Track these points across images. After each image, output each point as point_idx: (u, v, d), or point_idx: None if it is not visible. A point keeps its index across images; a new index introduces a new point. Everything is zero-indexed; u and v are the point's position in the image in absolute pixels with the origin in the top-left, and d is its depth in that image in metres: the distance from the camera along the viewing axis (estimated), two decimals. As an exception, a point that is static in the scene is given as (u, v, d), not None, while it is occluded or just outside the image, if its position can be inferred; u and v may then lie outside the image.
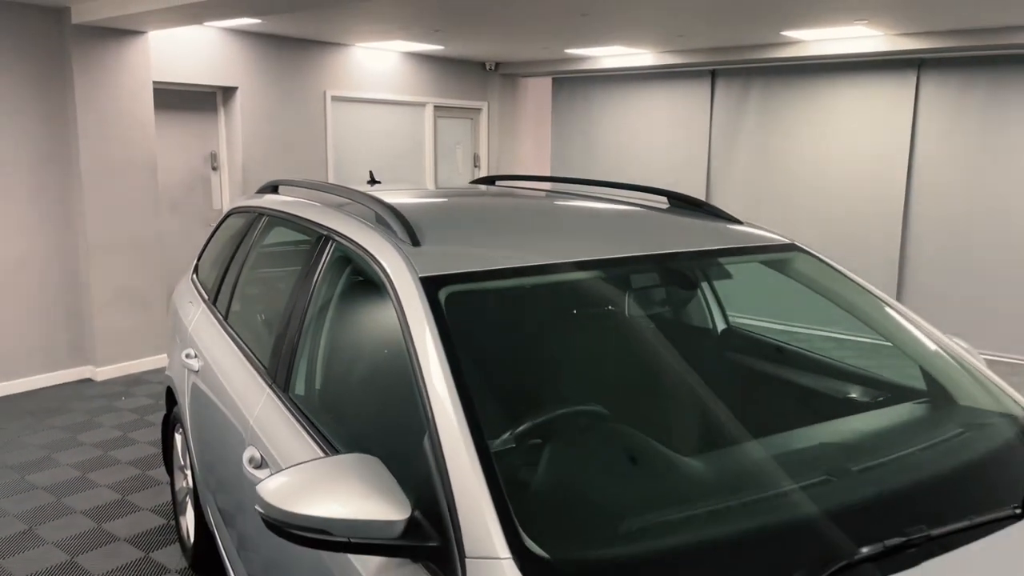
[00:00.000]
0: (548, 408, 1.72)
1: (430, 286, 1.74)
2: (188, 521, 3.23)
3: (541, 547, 1.28)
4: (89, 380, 5.65)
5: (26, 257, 5.33)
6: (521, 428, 1.66)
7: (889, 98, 6.77)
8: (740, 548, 1.35)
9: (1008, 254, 6.40)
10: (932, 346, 2.12)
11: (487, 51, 7.64)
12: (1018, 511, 1.51)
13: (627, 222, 2.33)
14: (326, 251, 2.21)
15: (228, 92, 6.55)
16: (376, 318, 1.92)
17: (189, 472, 3.10)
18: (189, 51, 6.15)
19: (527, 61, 8.40)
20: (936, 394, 2.05)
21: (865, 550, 1.34)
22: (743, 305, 2.69)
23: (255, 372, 2.33)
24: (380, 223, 2.06)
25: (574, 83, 8.76)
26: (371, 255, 1.92)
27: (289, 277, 2.45)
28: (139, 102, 5.64)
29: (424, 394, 1.53)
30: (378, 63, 7.53)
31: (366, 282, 2.02)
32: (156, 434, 4.62)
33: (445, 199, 2.62)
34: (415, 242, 1.90)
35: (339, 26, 6.22)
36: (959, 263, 6.64)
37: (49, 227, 5.42)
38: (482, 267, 1.85)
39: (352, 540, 1.34)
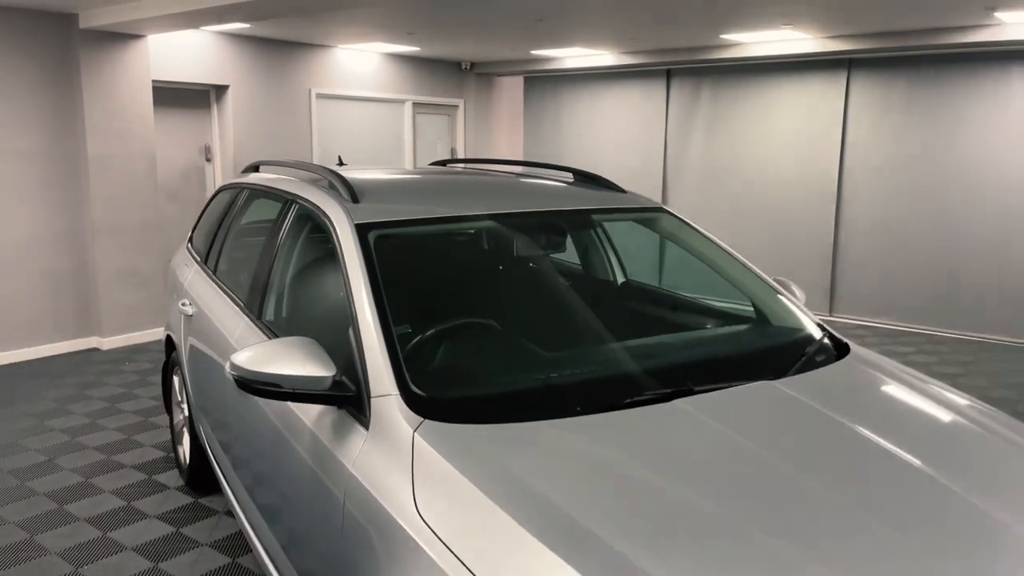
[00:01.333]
0: (451, 319, 2.36)
1: (362, 230, 2.37)
2: (184, 448, 3.86)
3: (419, 389, 1.92)
4: (96, 349, 6.28)
5: (39, 238, 5.96)
6: (430, 331, 2.29)
7: (823, 94, 7.42)
8: (555, 391, 1.99)
9: (931, 235, 7.05)
10: (759, 284, 2.76)
11: (461, 52, 8.27)
12: (771, 379, 2.15)
13: (532, 190, 2.97)
14: (291, 211, 2.84)
15: (220, 90, 7.18)
16: (323, 256, 2.55)
17: (185, 405, 3.73)
18: (185, 52, 6.77)
19: (500, 61, 9.03)
20: (759, 318, 2.69)
21: (647, 395, 1.98)
22: (632, 254, 3.33)
23: (236, 308, 2.96)
24: (331, 188, 2.69)
25: (544, 82, 9.40)
26: (322, 210, 2.55)
27: (264, 234, 3.08)
28: (140, 99, 6.27)
29: (351, 301, 2.16)
30: (360, 63, 8.16)
31: (318, 231, 2.65)
32: (157, 391, 5.25)
33: (391, 174, 3.24)
34: (355, 200, 2.53)
35: (322, 29, 6.85)
36: (887, 243, 7.29)
37: (59, 212, 6.04)
38: (403, 217, 2.48)
39: (295, 391, 1.97)
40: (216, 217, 3.78)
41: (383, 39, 7.41)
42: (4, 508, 3.61)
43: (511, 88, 9.89)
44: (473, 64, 9.27)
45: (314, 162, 7.78)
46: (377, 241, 2.36)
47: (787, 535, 1.48)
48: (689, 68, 8.23)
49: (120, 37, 6.11)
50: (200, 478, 3.73)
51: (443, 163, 4.08)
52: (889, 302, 7.32)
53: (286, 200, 2.93)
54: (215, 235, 3.65)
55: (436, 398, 1.92)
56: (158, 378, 5.54)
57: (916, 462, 1.77)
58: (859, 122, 7.30)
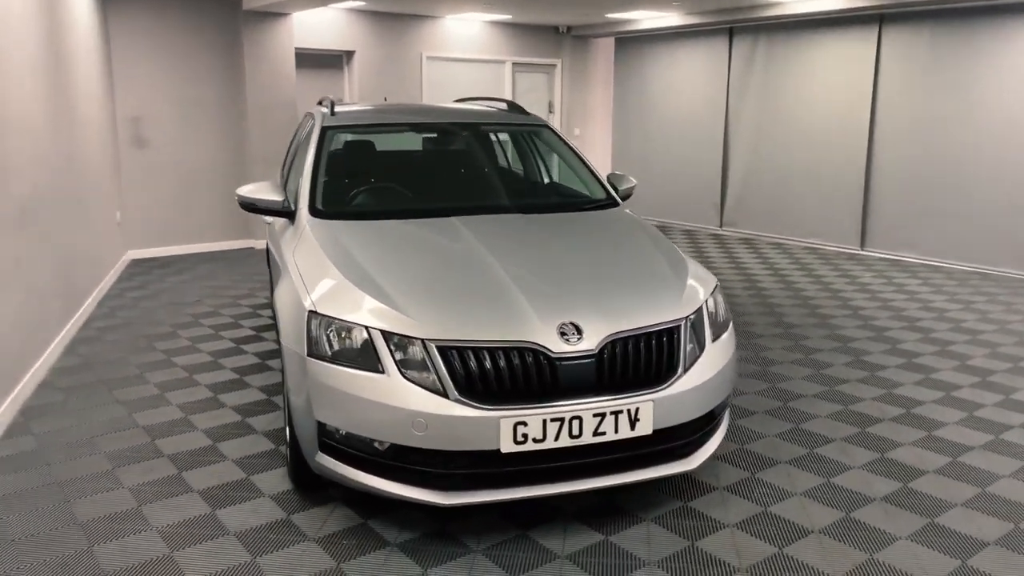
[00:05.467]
0: (372, 182, 4.03)
1: (326, 129, 4.08)
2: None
3: (319, 207, 3.61)
4: (252, 248, 8.59)
5: (213, 164, 8.29)
6: (356, 191, 3.97)
7: (857, 48, 8.11)
8: (389, 211, 3.60)
9: (953, 178, 7.60)
10: (591, 174, 4.16)
11: (546, 18, 9.70)
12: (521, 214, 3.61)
13: (460, 112, 4.54)
14: (310, 124, 4.62)
15: (349, 55, 9.19)
16: (310, 144, 4.30)
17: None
18: (321, 25, 8.82)
19: (591, 24, 10.34)
20: (587, 192, 4.11)
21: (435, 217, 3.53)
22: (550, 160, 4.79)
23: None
24: (328, 110, 4.43)
25: (629, 43, 10.60)
26: (316, 121, 4.30)
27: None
28: (286, 62, 8.39)
29: (304, 166, 3.88)
30: (464, 29, 9.86)
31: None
32: (281, 271, 7.37)
33: (384, 105, 4.91)
34: (333, 114, 4.24)
35: (430, 2, 8.59)
36: (913, 185, 7.90)
37: (228, 145, 8.34)
38: (352, 123, 4.17)
39: (265, 207, 3.73)
40: (291, 137, 5.68)
41: (478, 9, 9.04)
42: (182, 317, 5.79)
43: (605, 48, 11.17)
44: (569, 28, 10.66)
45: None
46: (331, 136, 4.08)
47: (476, 272, 3.03)
48: (747, 27, 9.12)
49: (272, 15, 8.23)
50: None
51: (462, 100, 5.70)
52: (911, 238, 7.97)
53: (312, 118, 4.72)
54: (288, 148, 5.55)
55: (323, 211, 3.61)
56: (285, 265, 7.68)
57: (555, 243, 3.23)
58: (889, 73, 7.93)
